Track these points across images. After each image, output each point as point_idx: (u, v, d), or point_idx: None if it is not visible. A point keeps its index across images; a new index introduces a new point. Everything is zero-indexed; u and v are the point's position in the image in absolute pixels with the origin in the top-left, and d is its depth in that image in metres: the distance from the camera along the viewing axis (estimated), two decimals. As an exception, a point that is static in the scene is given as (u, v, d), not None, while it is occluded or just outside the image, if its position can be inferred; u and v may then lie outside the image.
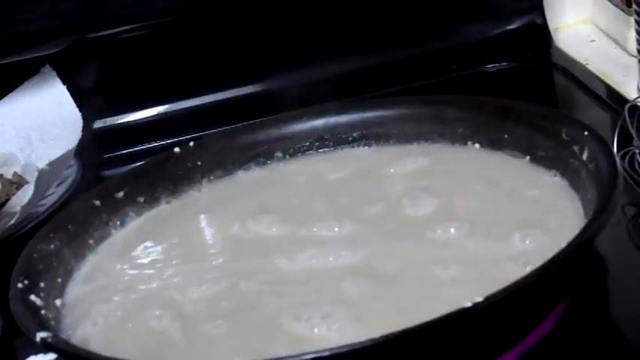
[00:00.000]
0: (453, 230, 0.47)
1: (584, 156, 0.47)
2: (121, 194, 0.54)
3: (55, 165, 0.64)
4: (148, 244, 0.52)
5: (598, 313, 0.46)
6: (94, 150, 0.75)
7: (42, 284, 0.46)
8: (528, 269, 0.40)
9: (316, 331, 0.41)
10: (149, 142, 0.77)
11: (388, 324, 0.37)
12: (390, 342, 0.36)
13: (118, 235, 0.53)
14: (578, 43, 0.78)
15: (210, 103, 0.79)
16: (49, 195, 0.64)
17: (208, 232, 0.54)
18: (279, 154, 0.58)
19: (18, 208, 0.60)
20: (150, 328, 0.45)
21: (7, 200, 0.65)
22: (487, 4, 0.80)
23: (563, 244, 0.40)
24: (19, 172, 0.69)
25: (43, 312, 0.44)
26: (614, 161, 0.45)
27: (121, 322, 0.45)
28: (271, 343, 0.42)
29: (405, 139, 0.56)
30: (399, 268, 0.44)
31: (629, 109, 0.56)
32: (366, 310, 0.42)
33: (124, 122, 0.79)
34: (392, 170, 0.54)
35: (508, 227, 0.46)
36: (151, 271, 0.49)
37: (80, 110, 0.70)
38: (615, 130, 0.56)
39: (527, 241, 0.44)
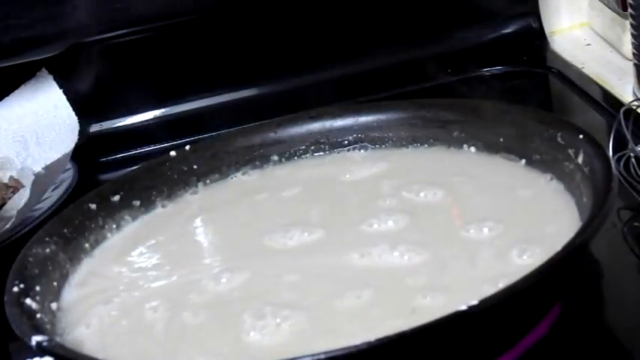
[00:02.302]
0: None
1: (580, 159, 0.47)
2: (116, 198, 0.54)
3: (51, 169, 0.64)
4: (144, 247, 0.52)
5: (593, 316, 0.47)
6: (91, 154, 0.75)
7: (37, 288, 0.46)
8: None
9: (251, 334, 0.42)
10: (145, 145, 0.77)
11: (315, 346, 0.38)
12: (386, 345, 0.36)
13: (114, 239, 0.53)
14: (573, 46, 0.78)
15: (206, 106, 0.79)
16: (45, 199, 0.64)
17: (205, 235, 0.54)
18: (275, 158, 0.58)
19: (14, 212, 0.60)
20: (142, 322, 0.45)
21: (3, 204, 0.65)
22: (483, 9, 0.80)
23: (559, 248, 0.40)
24: (15, 175, 0.69)
25: (38, 316, 0.44)
26: (610, 165, 0.45)
27: (115, 321, 0.46)
28: (216, 339, 0.42)
29: (400, 142, 0.56)
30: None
31: (624, 113, 0.56)
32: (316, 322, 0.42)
33: (120, 126, 0.79)
34: (386, 173, 0.54)
35: (506, 237, 0.46)
36: (150, 273, 0.49)
37: (76, 114, 0.70)
38: (611, 134, 0.56)
39: (525, 256, 0.44)
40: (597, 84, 0.71)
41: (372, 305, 0.42)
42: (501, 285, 0.39)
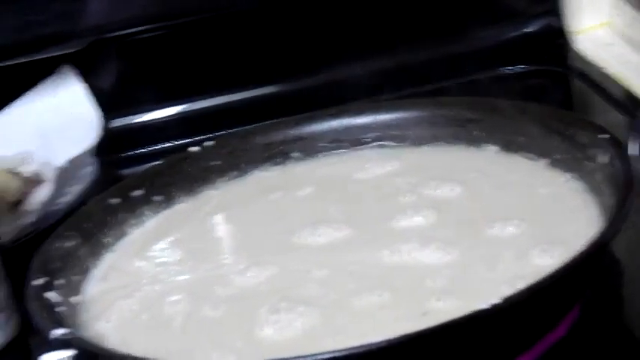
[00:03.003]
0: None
1: (600, 159, 0.47)
2: (137, 193, 0.54)
3: (73, 163, 0.64)
4: (165, 243, 0.52)
5: (613, 316, 0.46)
6: (112, 149, 0.76)
7: (58, 282, 0.47)
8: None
9: (265, 329, 0.42)
10: (166, 141, 0.77)
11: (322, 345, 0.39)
12: (405, 343, 0.36)
13: (135, 234, 0.53)
14: (595, 46, 0.78)
15: (227, 103, 0.79)
16: (67, 194, 0.65)
17: (227, 231, 0.54)
18: (295, 155, 0.58)
19: (36, 207, 0.61)
20: (162, 316, 0.45)
21: (25, 198, 0.66)
22: (504, 8, 0.80)
23: (579, 249, 0.40)
24: (37, 170, 0.69)
25: (59, 309, 0.45)
26: (630, 164, 0.45)
27: (136, 315, 0.46)
28: (232, 333, 0.43)
29: (420, 141, 0.56)
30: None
31: (645, 113, 0.56)
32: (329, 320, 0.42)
33: (141, 122, 0.79)
34: (402, 170, 0.54)
35: (527, 236, 0.45)
36: (173, 268, 0.50)
37: (98, 109, 0.70)
38: (632, 134, 0.56)
39: (546, 257, 0.44)
40: (618, 83, 0.70)
41: (385, 306, 0.42)
42: (519, 287, 0.39)
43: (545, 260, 0.43)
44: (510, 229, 0.46)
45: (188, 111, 0.79)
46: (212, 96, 0.79)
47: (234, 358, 0.41)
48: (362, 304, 0.43)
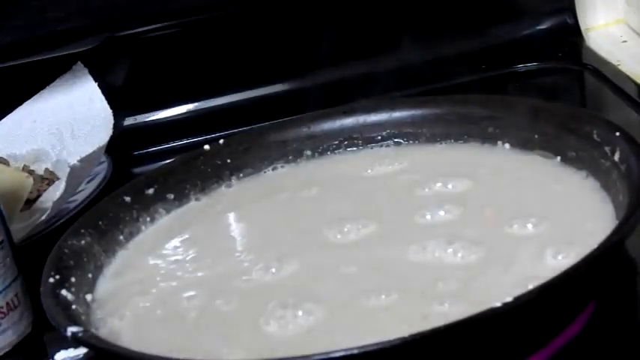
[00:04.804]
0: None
1: (616, 157, 0.46)
2: (151, 191, 0.54)
3: (86, 161, 0.64)
4: (179, 240, 0.52)
5: (627, 315, 0.46)
6: (124, 147, 0.76)
7: (73, 279, 0.47)
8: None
9: (271, 323, 0.42)
10: (179, 139, 0.77)
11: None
12: (419, 341, 0.36)
13: (148, 232, 0.53)
14: (609, 43, 0.77)
15: (240, 100, 0.79)
16: (80, 191, 0.65)
17: (241, 228, 0.54)
18: (308, 153, 0.58)
19: (49, 204, 0.61)
20: (176, 312, 0.45)
21: (38, 196, 0.66)
22: (518, 4, 0.80)
23: (594, 247, 0.39)
24: (50, 168, 0.70)
25: (73, 307, 0.45)
26: (645, 162, 0.44)
27: (151, 311, 0.46)
28: (240, 327, 0.43)
29: (434, 138, 0.56)
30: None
31: (661, 111, 0.56)
32: (334, 320, 0.42)
33: (154, 119, 0.79)
34: (415, 166, 0.54)
35: (543, 235, 0.45)
36: (188, 265, 0.50)
37: (111, 107, 0.71)
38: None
39: (560, 257, 0.43)
40: (633, 81, 0.70)
41: (389, 307, 0.42)
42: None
43: (561, 261, 0.43)
44: (529, 228, 0.46)
45: (201, 109, 0.79)
46: (225, 94, 0.79)
47: (242, 352, 0.41)
48: (368, 304, 0.43)
